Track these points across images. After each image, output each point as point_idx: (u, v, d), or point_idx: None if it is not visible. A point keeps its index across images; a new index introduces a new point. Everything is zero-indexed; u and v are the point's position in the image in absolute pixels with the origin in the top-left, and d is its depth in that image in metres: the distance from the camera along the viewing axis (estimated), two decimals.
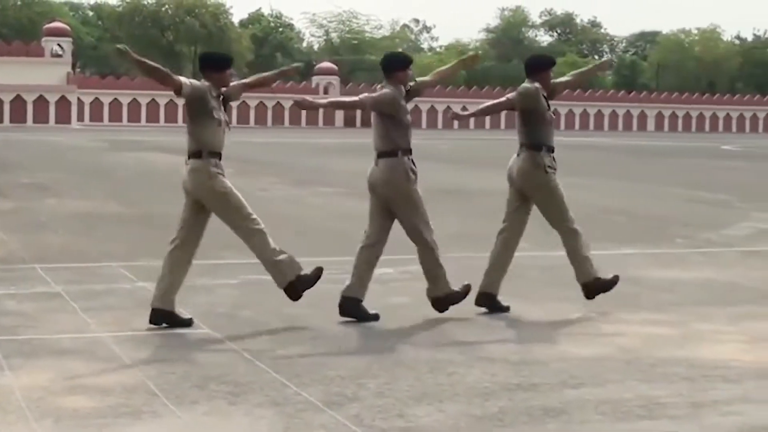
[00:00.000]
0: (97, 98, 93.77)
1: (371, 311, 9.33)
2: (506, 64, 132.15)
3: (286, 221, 17.47)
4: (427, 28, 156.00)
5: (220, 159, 9.15)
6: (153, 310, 8.91)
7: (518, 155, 9.97)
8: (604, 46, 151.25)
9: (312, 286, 9.34)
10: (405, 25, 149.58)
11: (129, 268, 11.95)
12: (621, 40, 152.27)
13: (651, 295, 10.68)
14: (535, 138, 9.92)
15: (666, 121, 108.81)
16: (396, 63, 9.59)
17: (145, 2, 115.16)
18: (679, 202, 21.97)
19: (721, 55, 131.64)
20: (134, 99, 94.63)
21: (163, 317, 8.88)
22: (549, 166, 9.90)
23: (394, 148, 9.39)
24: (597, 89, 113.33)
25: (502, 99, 10.23)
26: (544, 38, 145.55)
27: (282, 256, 9.18)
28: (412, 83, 9.61)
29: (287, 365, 7.59)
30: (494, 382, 7.20)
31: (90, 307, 9.63)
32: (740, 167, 38.69)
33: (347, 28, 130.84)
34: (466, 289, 9.70)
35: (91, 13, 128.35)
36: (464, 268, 12.40)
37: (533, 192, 9.95)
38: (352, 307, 9.35)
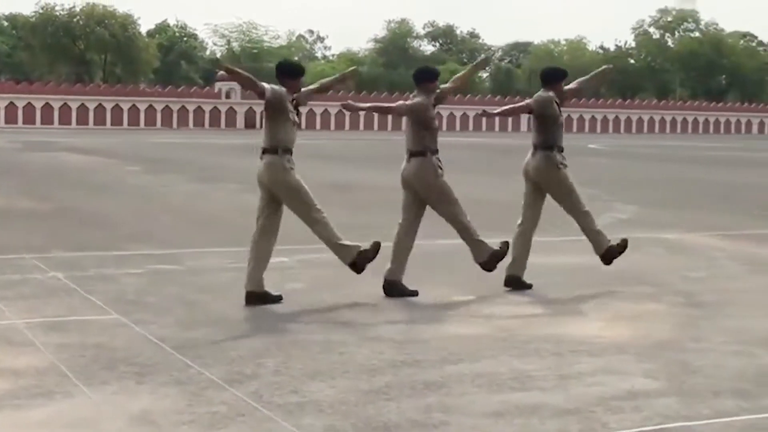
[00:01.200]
0: (11, 102, 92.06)
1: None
2: (393, 71, 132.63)
3: (187, 214, 17.36)
4: (320, 39, 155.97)
5: (291, 155, 9.49)
6: (247, 293, 9.29)
7: (533, 155, 10.49)
8: (482, 54, 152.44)
9: (373, 258, 9.74)
10: (301, 36, 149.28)
11: (42, 259, 11.74)
12: (497, 49, 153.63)
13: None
14: (549, 139, 10.43)
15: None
16: (426, 75, 10.17)
17: (58, 13, 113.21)
18: None
19: (587, 63, 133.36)
20: (47, 103, 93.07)
21: (257, 298, 9.24)
22: (561, 163, 10.47)
23: (423, 149, 10.06)
24: (476, 93, 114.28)
25: (522, 103, 10.87)
26: (428, 48, 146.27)
27: (343, 240, 9.71)
28: (437, 91, 10.22)
29: (190, 347, 7.53)
30: (381, 360, 7.22)
31: (5, 296, 9.44)
32: (605, 164, 39.31)
33: (247, 38, 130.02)
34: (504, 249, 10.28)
35: (5, 23, 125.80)
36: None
37: (549, 186, 10.57)
38: (395, 289, 9.79)
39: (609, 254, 10.69)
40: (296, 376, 6.75)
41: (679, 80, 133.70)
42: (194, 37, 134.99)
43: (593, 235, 10.71)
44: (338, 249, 9.75)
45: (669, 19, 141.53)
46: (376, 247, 9.79)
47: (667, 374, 6.95)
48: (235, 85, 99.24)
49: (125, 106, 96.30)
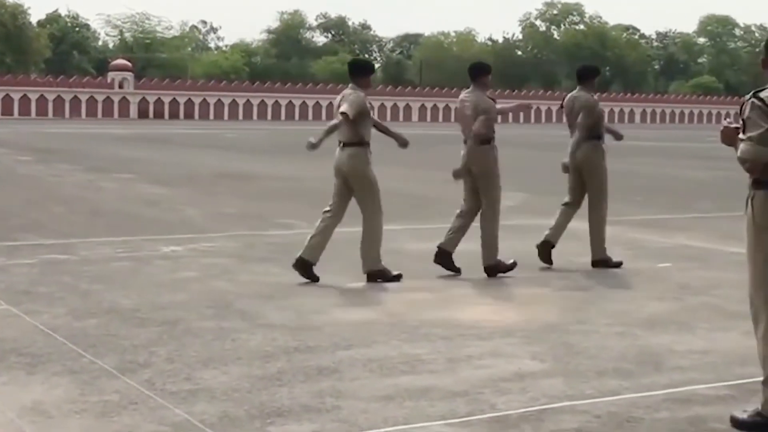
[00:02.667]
0: None
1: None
2: (286, 62, 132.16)
3: (79, 204, 17.08)
4: (213, 29, 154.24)
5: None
6: (300, 259, 9.87)
7: (578, 145, 11.13)
8: (374, 46, 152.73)
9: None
10: (194, 26, 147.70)
11: None
12: (389, 41, 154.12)
13: (414, 265, 10.84)
14: (595, 131, 11.20)
15: (428, 113, 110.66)
16: (484, 69, 10.67)
17: None
18: (441, 183, 22.33)
19: (476, 54, 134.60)
20: None
21: (302, 267, 9.83)
22: (604, 153, 11.24)
23: (489, 138, 10.49)
24: None
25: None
26: (320, 39, 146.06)
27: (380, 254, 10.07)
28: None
29: (83, 337, 7.41)
30: (274, 346, 7.20)
31: None
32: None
33: (140, 29, 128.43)
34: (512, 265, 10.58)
35: None
36: (246, 245, 12.39)
37: (590, 172, 11.19)
38: (445, 259, 10.42)
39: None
40: (189, 363, 6.69)
41: (565, 71, 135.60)
42: (87, 27, 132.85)
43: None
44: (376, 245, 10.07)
45: (555, 12, 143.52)
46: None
47: (552, 356, 7.05)
48: (128, 75, 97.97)
49: (16, 96, 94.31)
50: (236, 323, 7.96)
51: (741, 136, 5.45)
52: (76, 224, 14.43)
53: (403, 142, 10.55)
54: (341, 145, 10.09)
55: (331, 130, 9.92)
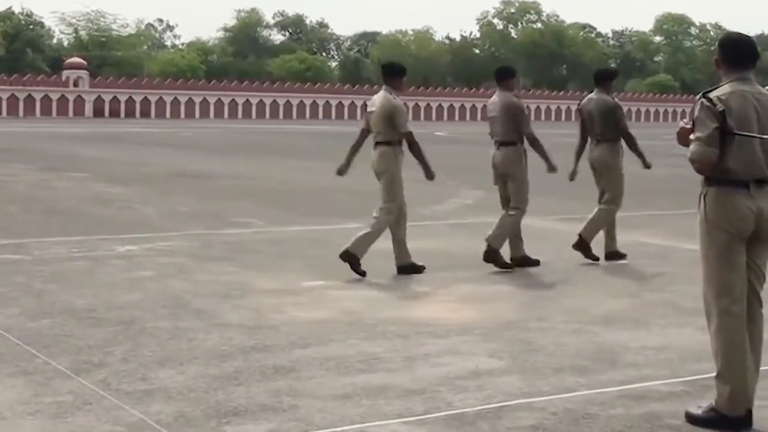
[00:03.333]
0: None
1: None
2: (243, 60, 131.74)
3: (33, 203, 16.94)
4: (170, 27, 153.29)
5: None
6: (346, 252, 10.07)
7: (597, 146, 11.52)
8: (331, 44, 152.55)
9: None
10: (150, 24, 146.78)
11: None
12: (346, 39, 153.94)
13: (371, 264, 10.84)
14: (614, 133, 11.55)
15: None
16: (511, 73, 11.36)
17: None
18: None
19: (433, 53, 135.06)
20: None
21: (350, 258, 10.04)
22: (621, 153, 11.63)
23: (515, 139, 10.95)
24: (325, 82, 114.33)
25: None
26: (277, 37, 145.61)
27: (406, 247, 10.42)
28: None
29: (37, 337, 7.35)
30: (231, 346, 7.18)
31: None
32: (451, 150, 39.73)
33: (95, 26, 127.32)
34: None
35: None
36: (203, 245, 12.34)
37: (606, 172, 11.57)
38: (492, 255, 10.69)
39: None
40: (145, 363, 6.66)
41: (522, 70, 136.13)
42: (41, 25, 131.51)
43: (609, 231, 11.72)
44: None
45: (512, 10, 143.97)
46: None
47: (510, 353, 7.08)
48: (83, 73, 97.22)
49: None
50: (192, 323, 7.93)
51: (691, 136, 5.51)
52: (30, 224, 14.32)
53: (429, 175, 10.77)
54: (374, 144, 10.51)
55: (357, 149, 10.70)
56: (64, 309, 8.38)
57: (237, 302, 8.80)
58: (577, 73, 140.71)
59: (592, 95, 11.74)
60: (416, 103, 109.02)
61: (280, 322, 8.01)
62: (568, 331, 7.82)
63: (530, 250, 11.27)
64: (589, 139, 11.64)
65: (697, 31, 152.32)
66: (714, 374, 5.58)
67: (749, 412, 5.53)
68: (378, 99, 10.45)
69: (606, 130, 11.46)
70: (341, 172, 10.86)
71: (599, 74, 12.00)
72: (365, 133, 10.64)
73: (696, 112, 5.48)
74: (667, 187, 21.94)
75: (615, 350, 7.22)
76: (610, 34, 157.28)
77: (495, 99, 11.17)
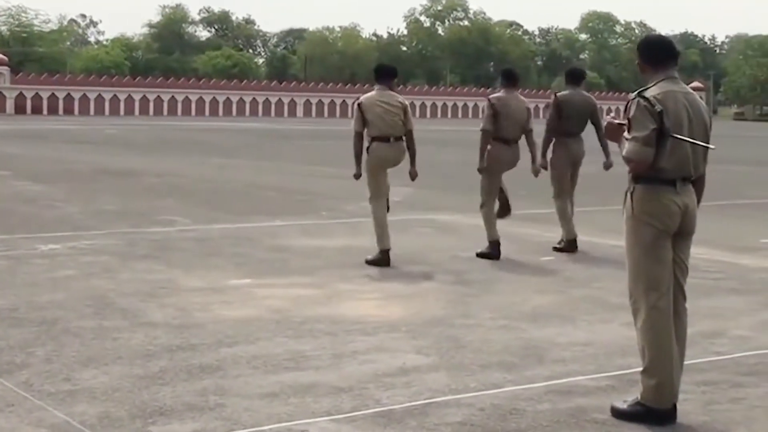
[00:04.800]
0: None
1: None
2: (168, 57, 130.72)
3: None
4: (93, 23, 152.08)
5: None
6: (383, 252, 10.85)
7: (577, 140, 12.31)
8: (258, 41, 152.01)
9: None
10: (73, 20, 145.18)
11: None
12: (273, 36, 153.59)
13: (299, 261, 10.83)
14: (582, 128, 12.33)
15: (314, 108, 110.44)
16: (518, 77, 11.99)
17: None
18: (324, 179, 22.35)
19: (361, 49, 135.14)
20: None
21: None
22: None
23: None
24: (252, 79, 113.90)
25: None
26: (203, 33, 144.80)
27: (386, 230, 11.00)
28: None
29: None
30: (156, 345, 7.12)
31: None
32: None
33: (17, 22, 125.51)
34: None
35: None
36: (127, 243, 12.22)
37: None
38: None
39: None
40: (68, 363, 6.58)
41: (450, 67, 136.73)
42: None
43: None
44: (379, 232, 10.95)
45: (439, 8, 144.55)
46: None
47: (437, 350, 7.11)
48: (4, 70, 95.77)
49: None
50: (117, 322, 7.85)
51: (626, 135, 5.56)
52: None
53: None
54: (393, 139, 11.01)
55: (361, 152, 11.01)
56: None
57: (162, 301, 8.72)
58: None
59: (571, 92, 12.30)
60: (344, 100, 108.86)
61: (207, 320, 7.96)
62: (494, 328, 7.87)
63: (458, 246, 11.30)
64: (566, 134, 12.21)
65: (622, 29, 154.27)
66: (640, 369, 5.65)
67: (674, 406, 5.61)
68: (393, 98, 10.99)
69: (583, 126, 12.25)
70: (359, 176, 11.11)
71: (579, 73, 12.73)
72: (362, 134, 10.98)
73: (632, 111, 5.54)
74: (591, 183, 22.16)
75: (541, 346, 7.28)
76: (536, 32, 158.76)
77: (511, 99, 11.62)
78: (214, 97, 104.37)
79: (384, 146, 10.94)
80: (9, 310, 8.24)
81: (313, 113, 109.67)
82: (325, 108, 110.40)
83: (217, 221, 14.24)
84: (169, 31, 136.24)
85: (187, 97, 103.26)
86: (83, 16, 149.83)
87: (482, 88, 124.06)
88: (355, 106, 11.07)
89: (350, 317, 8.15)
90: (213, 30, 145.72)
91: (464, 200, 18.03)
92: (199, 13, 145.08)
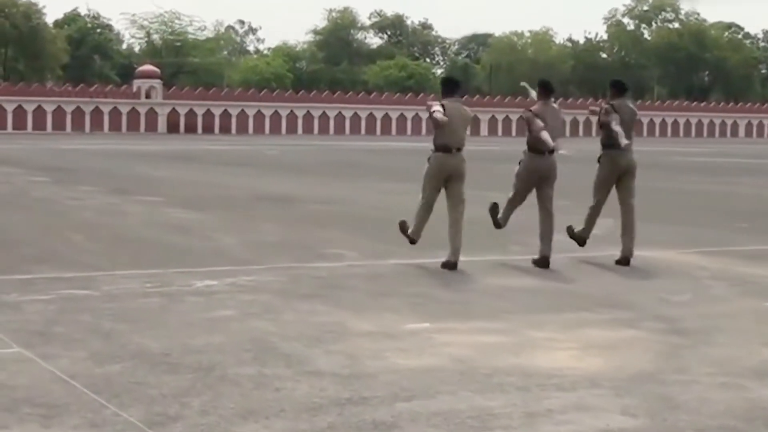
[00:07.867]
0: None
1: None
2: (335, 67, 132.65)
3: (101, 231, 17.20)
4: (252, 30, 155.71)
5: None
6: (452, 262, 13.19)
7: (629, 150, 14.02)
8: (436, 48, 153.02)
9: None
10: (230, 27, 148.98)
11: None
12: (453, 42, 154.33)
13: (484, 303, 10.80)
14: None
15: (499, 125, 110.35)
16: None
17: None
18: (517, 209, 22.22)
19: (553, 57, 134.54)
20: None
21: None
22: None
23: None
24: (429, 93, 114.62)
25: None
26: (374, 40, 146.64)
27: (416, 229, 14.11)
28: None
29: (106, 385, 7.45)
30: (323, 397, 7.19)
31: None
32: (575, 170, 39.48)
33: (169, 30, 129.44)
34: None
35: None
36: (290, 279, 12.40)
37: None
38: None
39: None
40: (226, 416, 6.70)
41: (657, 77, 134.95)
42: (109, 28, 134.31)
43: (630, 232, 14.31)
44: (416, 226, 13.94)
45: (645, 8, 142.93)
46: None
47: (646, 410, 6.99)
48: (156, 83, 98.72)
49: (29, 108, 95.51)
50: (279, 370, 7.96)
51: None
52: (98, 254, 14.55)
53: None
54: (456, 150, 14.44)
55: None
56: (136, 352, 8.48)
57: (330, 347, 8.82)
58: (721, 80, 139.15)
59: (626, 101, 14.06)
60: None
61: (380, 370, 8.01)
62: (714, 386, 7.69)
63: (660, 287, 11.12)
64: (621, 142, 13.66)
65: None
66: None
67: None
68: (462, 110, 14.16)
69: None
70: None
71: (624, 84, 14.35)
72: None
73: None
74: None
75: None
76: (760, 35, 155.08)
77: (550, 108, 13.97)
78: (386, 113, 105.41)
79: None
80: (162, 354, 8.46)
81: (499, 131, 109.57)
82: (513, 126, 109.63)
83: (390, 255, 14.34)
84: (336, 38, 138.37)
85: (355, 113, 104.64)
86: (241, 22, 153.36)
87: (694, 102, 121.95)
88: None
89: (544, 369, 8.09)
90: (385, 36, 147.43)
91: (676, 233, 17.71)
92: (369, 18, 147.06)
